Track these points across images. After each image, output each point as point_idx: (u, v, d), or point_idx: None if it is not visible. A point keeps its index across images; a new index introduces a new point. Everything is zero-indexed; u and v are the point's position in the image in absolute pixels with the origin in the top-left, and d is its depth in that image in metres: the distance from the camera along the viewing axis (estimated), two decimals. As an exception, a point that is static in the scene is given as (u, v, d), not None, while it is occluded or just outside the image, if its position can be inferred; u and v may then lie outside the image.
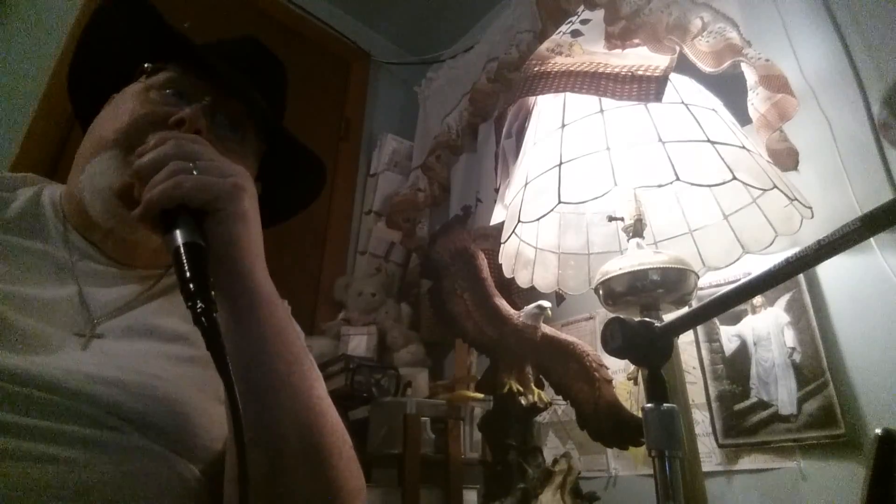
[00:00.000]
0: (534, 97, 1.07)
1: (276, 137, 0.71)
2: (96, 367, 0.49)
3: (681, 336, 0.66)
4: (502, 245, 1.03)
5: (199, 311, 0.39)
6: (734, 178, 0.75)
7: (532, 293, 1.11)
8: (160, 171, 0.46)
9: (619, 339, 0.53)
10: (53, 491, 0.43)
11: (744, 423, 0.93)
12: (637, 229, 0.90)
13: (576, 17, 1.15)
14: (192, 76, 0.63)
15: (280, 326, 0.50)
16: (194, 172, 0.47)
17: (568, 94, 0.94)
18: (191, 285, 0.40)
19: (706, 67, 0.98)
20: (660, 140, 0.80)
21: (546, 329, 1.04)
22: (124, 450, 0.47)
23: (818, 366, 0.87)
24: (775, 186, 0.78)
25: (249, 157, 0.68)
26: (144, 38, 0.65)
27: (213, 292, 0.41)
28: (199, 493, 0.52)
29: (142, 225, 0.48)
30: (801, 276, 0.92)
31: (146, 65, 0.65)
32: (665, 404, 0.52)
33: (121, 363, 0.51)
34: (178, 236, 0.43)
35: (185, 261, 0.41)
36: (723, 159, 0.77)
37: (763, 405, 0.92)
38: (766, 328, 0.95)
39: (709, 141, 0.80)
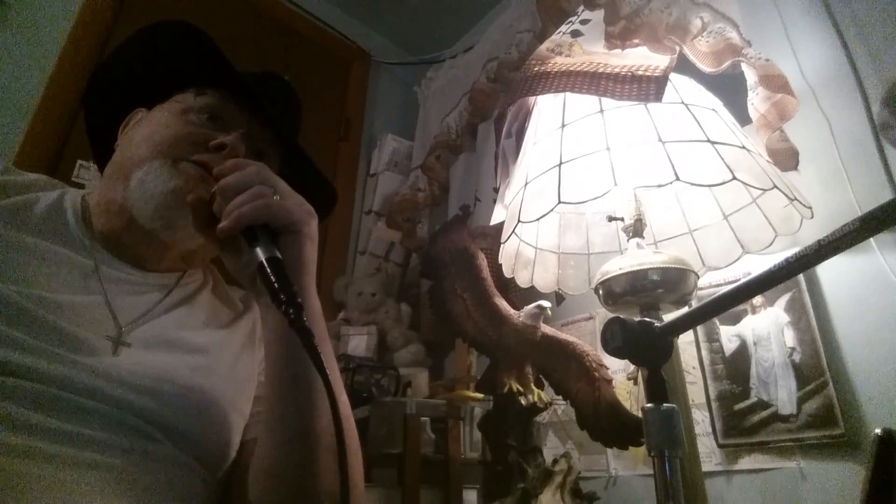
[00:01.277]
0: (534, 97, 1.07)
1: (293, 164, 0.75)
2: (132, 377, 0.51)
3: (681, 336, 0.66)
4: (502, 245, 1.03)
5: (292, 317, 0.43)
6: (734, 178, 0.75)
7: (532, 293, 1.11)
8: (244, 191, 0.51)
9: (619, 339, 0.53)
10: (102, 497, 0.45)
11: (744, 423, 0.93)
12: (637, 229, 0.90)
13: (576, 17, 1.15)
14: (230, 103, 0.67)
15: (323, 338, 0.54)
16: (276, 197, 0.52)
17: (568, 94, 0.94)
18: (282, 295, 0.45)
19: (706, 67, 0.98)
20: (660, 140, 0.80)
21: (546, 329, 1.04)
22: (157, 458, 0.50)
23: (818, 366, 0.87)
24: (775, 186, 0.78)
25: None
26: (190, 61, 0.67)
27: (299, 299, 0.45)
28: (212, 500, 0.55)
29: (220, 233, 0.51)
30: (801, 276, 0.92)
31: (191, 90, 0.67)
32: (665, 404, 0.52)
33: (154, 373, 0.53)
34: (262, 252, 0.48)
35: (270, 273, 0.46)
36: (723, 159, 0.77)
37: (763, 405, 0.92)
38: (766, 328, 0.95)
39: (709, 141, 0.80)
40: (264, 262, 0.47)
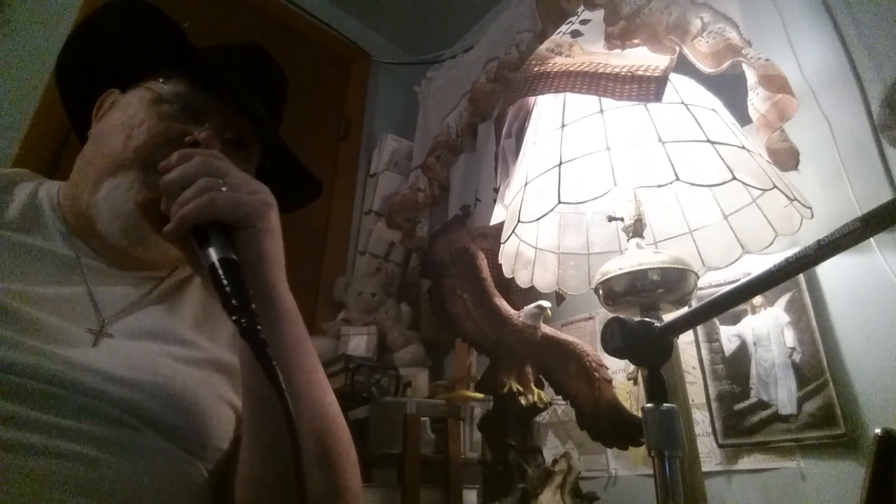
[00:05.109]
0: (534, 97, 1.07)
1: (276, 152, 0.72)
2: (111, 367, 0.50)
3: (681, 336, 0.66)
4: (502, 245, 1.03)
5: (244, 326, 0.40)
6: (734, 178, 0.75)
7: (532, 293, 1.11)
8: (189, 186, 0.47)
9: (619, 339, 0.53)
10: (75, 488, 0.44)
11: (744, 423, 0.93)
12: (637, 229, 0.90)
13: (576, 17, 1.15)
14: (202, 91, 0.64)
15: (300, 337, 0.51)
16: (223, 189, 0.47)
17: (568, 94, 0.94)
18: (233, 301, 0.41)
19: (706, 68, 0.98)
20: (660, 140, 0.80)
21: (546, 329, 1.04)
22: (140, 448, 0.49)
23: (818, 366, 0.87)
24: (775, 186, 0.78)
25: (251, 172, 0.69)
26: (156, 44, 0.65)
27: (253, 305, 0.41)
28: (207, 491, 0.53)
29: (166, 237, 0.48)
30: (801, 276, 0.92)
31: (160, 79, 0.64)
32: (665, 404, 0.52)
33: (133, 363, 0.52)
34: (213, 253, 0.44)
35: (222, 276, 0.42)
36: (723, 159, 0.77)
37: (763, 405, 0.92)
38: (766, 328, 0.95)
39: (709, 141, 0.80)
40: (216, 263, 0.43)
